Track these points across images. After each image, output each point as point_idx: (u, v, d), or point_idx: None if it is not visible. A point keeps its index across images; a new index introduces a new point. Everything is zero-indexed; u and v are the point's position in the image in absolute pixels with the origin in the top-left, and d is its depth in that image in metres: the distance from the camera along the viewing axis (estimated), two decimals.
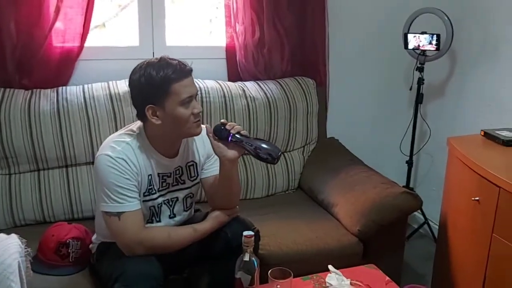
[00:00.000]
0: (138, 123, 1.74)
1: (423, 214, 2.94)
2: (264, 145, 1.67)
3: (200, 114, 1.71)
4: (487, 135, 2.27)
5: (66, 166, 2.29)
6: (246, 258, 1.50)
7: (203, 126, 1.76)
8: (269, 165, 2.57)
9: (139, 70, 1.65)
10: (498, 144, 2.19)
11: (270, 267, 1.59)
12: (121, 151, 1.65)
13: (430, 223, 2.95)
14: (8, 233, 1.45)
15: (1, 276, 1.28)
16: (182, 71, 1.64)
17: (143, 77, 1.63)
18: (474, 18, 2.69)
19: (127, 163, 1.64)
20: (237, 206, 1.86)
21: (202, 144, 1.85)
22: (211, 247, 1.80)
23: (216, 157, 1.75)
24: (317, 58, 2.80)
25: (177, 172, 1.82)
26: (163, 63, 1.64)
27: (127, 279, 1.56)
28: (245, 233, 1.50)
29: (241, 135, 1.68)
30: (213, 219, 1.78)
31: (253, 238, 1.52)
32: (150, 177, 1.73)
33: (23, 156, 2.20)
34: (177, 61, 1.65)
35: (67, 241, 1.86)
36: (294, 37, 2.72)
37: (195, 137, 1.81)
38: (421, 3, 2.78)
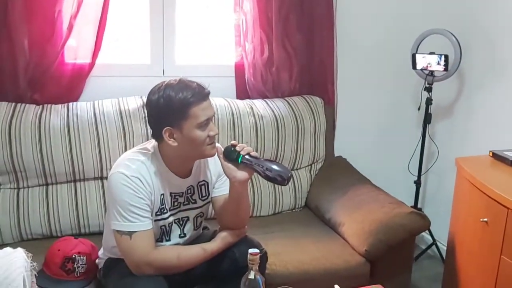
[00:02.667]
0: (153, 141, 1.73)
1: (431, 234, 2.91)
2: (274, 167, 1.66)
3: (216, 136, 1.69)
4: (496, 155, 2.26)
5: (75, 181, 2.31)
6: (251, 276, 1.48)
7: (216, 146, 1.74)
8: None
9: (158, 91, 1.62)
10: (507, 165, 2.18)
11: (275, 287, 1.58)
12: (136, 169, 1.64)
13: (438, 244, 2.91)
14: (15, 247, 1.46)
15: None
16: (201, 93, 1.62)
17: (162, 99, 1.60)
18: (481, 39, 2.70)
19: (141, 182, 1.63)
20: (246, 226, 1.85)
21: (213, 164, 1.83)
22: (218, 266, 1.78)
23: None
24: (325, 77, 2.81)
25: (189, 191, 1.80)
26: (182, 85, 1.61)
27: None
28: (251, 250, 1.48)
29: (251, 156, 1.67)
30: (222, 240, 1.76)
31: (258, 256, 1.50)
32: (162, 196, 1.71)
33: (32, 170, 2.22)
34: (196, 83, 1.64)
35: (73, 256, 1.86)
36: (302, 56, 2.74)
37: None
38: (429, 24, 2.79)
